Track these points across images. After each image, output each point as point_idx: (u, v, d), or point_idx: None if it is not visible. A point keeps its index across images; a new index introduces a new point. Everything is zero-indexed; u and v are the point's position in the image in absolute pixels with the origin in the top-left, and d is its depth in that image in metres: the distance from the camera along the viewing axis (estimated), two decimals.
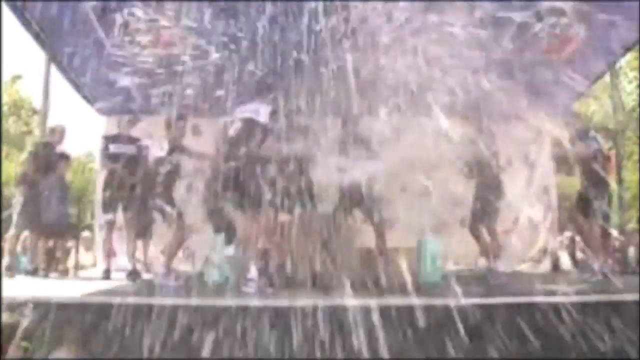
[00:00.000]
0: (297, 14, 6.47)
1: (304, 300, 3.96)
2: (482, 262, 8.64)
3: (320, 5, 6.22)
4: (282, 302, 4.01)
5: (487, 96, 8.48)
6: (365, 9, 6.48)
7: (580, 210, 6.46)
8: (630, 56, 14.97)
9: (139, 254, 7.29)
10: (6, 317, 2.98)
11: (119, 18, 6.57)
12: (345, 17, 6.56)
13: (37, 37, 6.88)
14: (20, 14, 6.36)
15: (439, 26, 6.24)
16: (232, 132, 5.11)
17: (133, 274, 6.70)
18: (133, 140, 7.03)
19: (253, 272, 4.89)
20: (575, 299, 4.04)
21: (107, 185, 6.91)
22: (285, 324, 3.62)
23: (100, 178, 7.40)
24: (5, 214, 7.24)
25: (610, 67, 8.08)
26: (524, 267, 8.78)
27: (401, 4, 6.23)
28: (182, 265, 7.36)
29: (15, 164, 12.70)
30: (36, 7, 6.30)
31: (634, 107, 20.02)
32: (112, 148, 6.93)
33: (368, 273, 6.05)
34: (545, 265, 8.71)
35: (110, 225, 6.91)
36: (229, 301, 3.92)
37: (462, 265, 8.63)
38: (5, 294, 3.63)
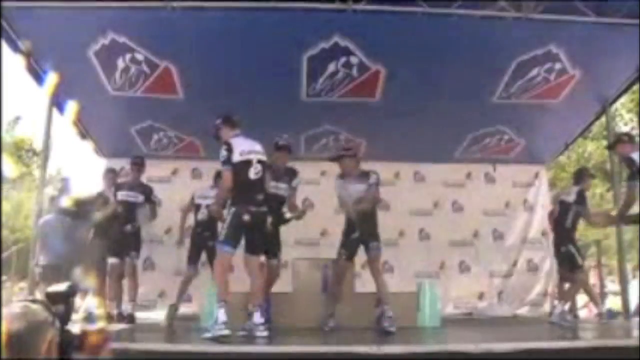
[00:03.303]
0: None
1: (303, 347, 3.94)
2: (482, 305, 8.63)
3: None
4: (281, 348, 3.98)
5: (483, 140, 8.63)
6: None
7: None
8: (625, 98, 15.13)
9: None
10: None
11: (120, 63, 6.65)
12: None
13: (39, 79, 6.95)
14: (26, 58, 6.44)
15: None
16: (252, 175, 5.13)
17: (131, 318, 6.68)
18: (142, 188, 7.16)
19: (257, 317, 4.89)
20: None
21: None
22: None
23: None
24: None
25: (605, 109, 8.15)
26: (524, 311, 8.72)
27: None
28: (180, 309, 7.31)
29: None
30: (40, 50, 6.38)
31: None
32: (120, 195, 7.01)
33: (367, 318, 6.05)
34: (545, 309, 8.65)
35: (115, 269, 6.87)
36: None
37: (462, 309, 8.57)
38: None
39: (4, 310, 1.55)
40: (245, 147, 5.14)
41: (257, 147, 5.26)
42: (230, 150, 5.05)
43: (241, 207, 5.01)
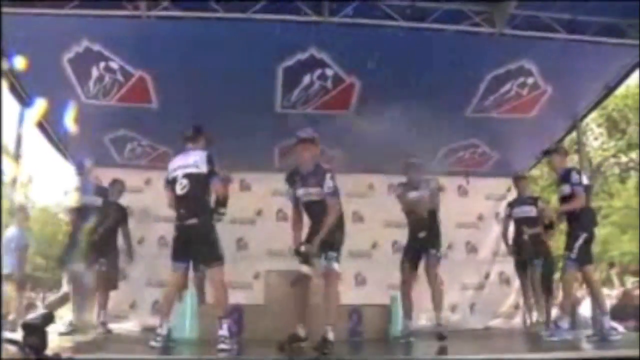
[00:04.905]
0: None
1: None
2: (454, 318, 8.66)
3: None
4: None
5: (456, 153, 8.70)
6: None
7: None
8: (595, 113, 15.42)
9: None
10: None
11: (95, 71, 6.58)
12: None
13: (11, 87, 6.86)
14: None
15: None
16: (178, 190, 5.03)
17: (105, 328, 6.60)
18: (102, 192, 7.04)
19: (225, 329, 4.79)
20: None
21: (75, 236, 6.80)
22: None
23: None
24: None
25: (576, 123, 8.30)
26: (496, 323, 8.77)
27: None
28: (151, 319, 7.23)
29: None
30: (12, 56, 6.29)
31: (600, 162, 20.55)
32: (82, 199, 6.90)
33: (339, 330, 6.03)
34: (517, 321, 8.72)
35: (79, 278, 6.74)
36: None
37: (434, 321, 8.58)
38: None
39: None
40: (174, 164, 5.15)
41: (190, 159, 5.07)
42: (168, 169, 5.19)
43: (174, 225, 5.06)
